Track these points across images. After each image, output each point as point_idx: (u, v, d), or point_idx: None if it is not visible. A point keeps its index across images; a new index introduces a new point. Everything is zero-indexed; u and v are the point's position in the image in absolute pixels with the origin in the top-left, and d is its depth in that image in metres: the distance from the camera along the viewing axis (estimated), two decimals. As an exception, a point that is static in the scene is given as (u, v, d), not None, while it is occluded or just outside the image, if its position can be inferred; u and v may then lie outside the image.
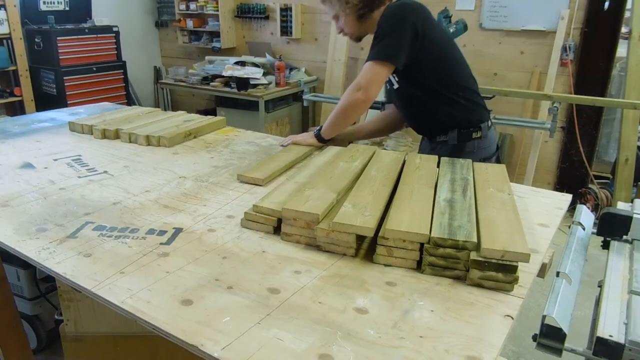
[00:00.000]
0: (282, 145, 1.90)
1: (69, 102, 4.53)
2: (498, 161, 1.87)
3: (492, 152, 1.86)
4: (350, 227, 1.09)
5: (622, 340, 0.88)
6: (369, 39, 1.75)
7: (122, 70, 5.08)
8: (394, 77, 1.79)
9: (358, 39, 1.84)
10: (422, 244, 1.05)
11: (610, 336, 0.89)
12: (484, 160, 1.80)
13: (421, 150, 1.96)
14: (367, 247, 1.15)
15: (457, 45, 1.83)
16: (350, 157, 1.58)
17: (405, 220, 1.10)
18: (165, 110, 3.90)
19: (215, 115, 3.47)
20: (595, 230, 1.35)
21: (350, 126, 1.93)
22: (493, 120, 1.90)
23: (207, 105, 5.62)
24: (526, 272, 1.05)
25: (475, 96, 1.82)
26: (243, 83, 4.47)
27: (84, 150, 1.87)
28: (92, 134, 2.07)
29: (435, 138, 1.84)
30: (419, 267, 1.07)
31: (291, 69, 4.88)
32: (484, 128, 1.80)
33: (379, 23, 1.67)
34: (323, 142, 1.83)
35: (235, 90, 4.52)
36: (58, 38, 4.53)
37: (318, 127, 1.84)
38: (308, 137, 1.86)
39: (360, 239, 1.13)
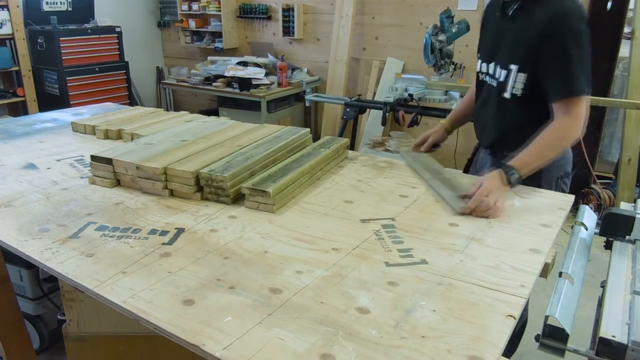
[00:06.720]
0: (461, 213, 1.36)
1: (71, 102, 4.54)
2: (573, 182, 1.68)
3: (568, 171, 1.68)
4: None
5: (624, 341, 0.88)
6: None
7: (124, 71, 5.10)
8: (523, 83, 1.56)
9: None
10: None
11: (613, 336, 0.89)
12: (560, 179, 1.66)
13: (480, 162, 1.78)
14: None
15: None
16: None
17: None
18: (167, 110, 3.91)
19: (218, 115, 3.47)
20: (597, 231, 1.35)
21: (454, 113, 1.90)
22: None
23: (209, 106, 5.62)
24: (528, 272, 1.05)
25: None
26: (245, 83, 4.48)
27: (87, 150, 1.87)
28: (94, 134, 2.08)
29: (503, 153, 1.59)
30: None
31: (293, 69, 4.89)
32: None
33: (570, 40, 1.54)
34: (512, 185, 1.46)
35: (237, 90, 4.53)
36: (61, 38, 4.54)
37: (509, 173, 1.42)
38: (499, 186, 1.40)
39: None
